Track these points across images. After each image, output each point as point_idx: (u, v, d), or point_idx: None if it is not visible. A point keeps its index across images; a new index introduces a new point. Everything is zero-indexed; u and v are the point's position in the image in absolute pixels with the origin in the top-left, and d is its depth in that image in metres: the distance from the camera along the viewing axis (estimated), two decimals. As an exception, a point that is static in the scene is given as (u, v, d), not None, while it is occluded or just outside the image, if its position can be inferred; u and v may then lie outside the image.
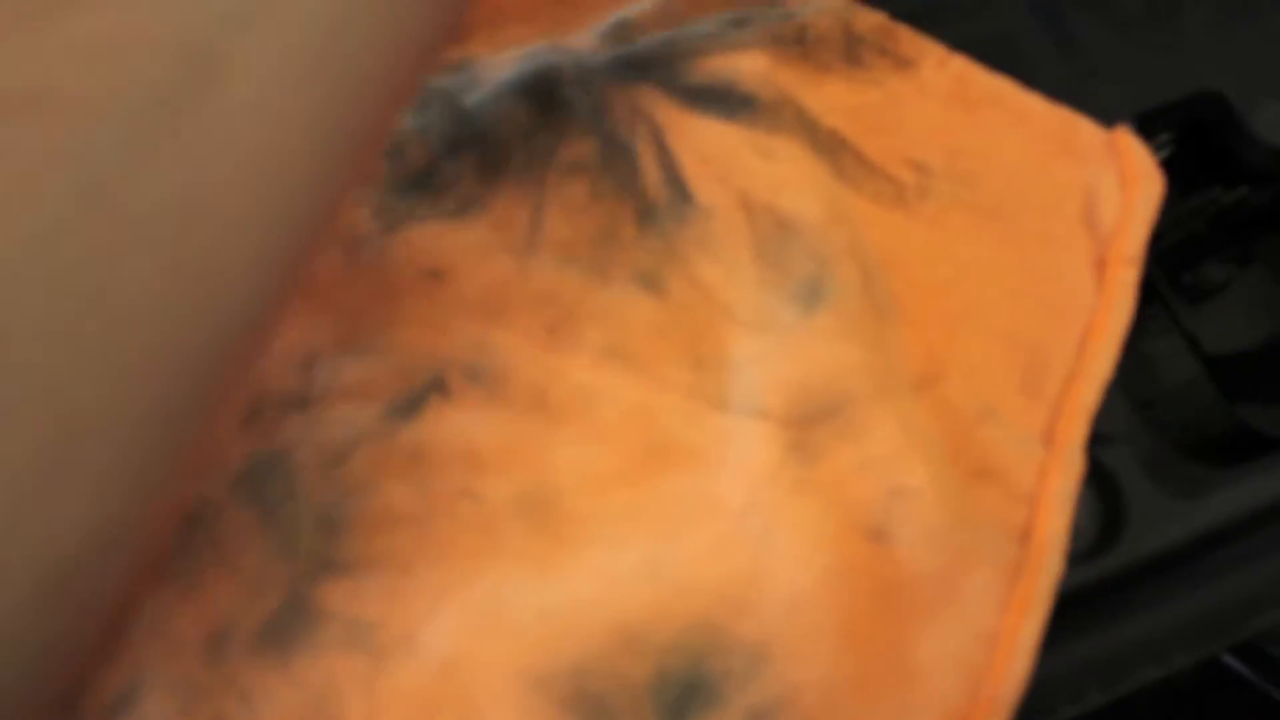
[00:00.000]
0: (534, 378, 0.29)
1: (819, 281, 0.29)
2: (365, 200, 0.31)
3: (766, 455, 0.27)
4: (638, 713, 0.25)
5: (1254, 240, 0.39)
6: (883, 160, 0.32)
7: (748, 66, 0.32)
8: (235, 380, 0.21)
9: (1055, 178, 0.33)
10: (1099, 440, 0.30)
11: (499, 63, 0.33)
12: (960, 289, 0.31)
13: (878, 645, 0.26)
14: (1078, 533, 0.28)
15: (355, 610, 0.26)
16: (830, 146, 0.32)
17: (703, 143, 0.31)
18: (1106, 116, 0.35)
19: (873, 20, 0.34)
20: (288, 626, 0.26)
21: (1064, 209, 0.33)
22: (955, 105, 0.34)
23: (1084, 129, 0.34)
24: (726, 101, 0.32)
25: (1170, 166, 0.37)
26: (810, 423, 0.28)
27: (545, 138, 0.31)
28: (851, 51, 0.34)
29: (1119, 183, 0.33)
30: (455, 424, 0.28)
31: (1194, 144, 0.37)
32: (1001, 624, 0.26)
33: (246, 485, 0.28)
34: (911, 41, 0.34)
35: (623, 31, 0.34)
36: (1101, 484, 0.29)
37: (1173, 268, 0.39)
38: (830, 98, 0.33)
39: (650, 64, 0.32)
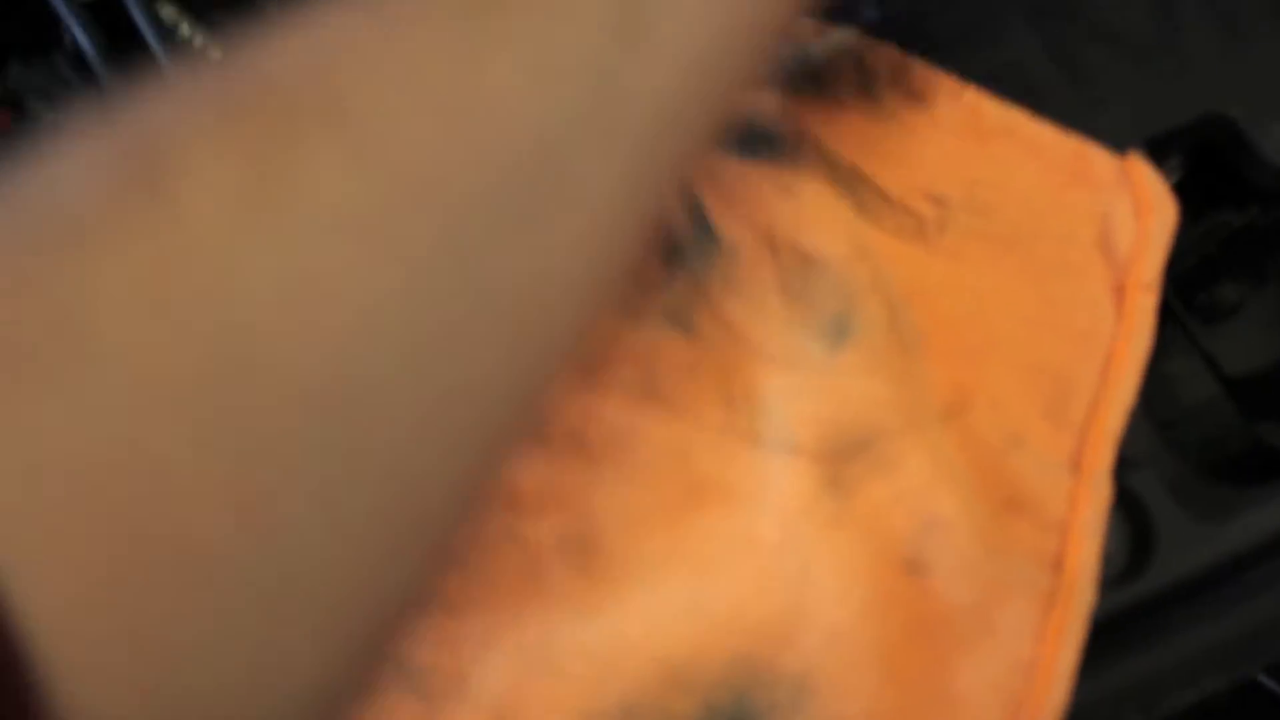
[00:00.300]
0: (571, 418, 0.29)
1: (845, 317, 0.30)
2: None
3: (801, 490, 0.28)
4: (686, 748, 0.26)
5: (1268, 260, 0.40)
6: (901, 194, 0.33)
7: (766, 105, 0.33)
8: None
9: (1070, 206, 0.34)
10: (1124, 465, 0.30)
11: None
12: (982, 319, 0.32)
13: (918, 676, 0.26)
14: (1108, 559, 0.29)
15: (407, 654, 0.26)
16: (850, 182, 0.33)
17: (725, 181, 0.32)
18: (1117, 143, 0.36)
19: (886, 55, 0.35)
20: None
21: (1080, 237, 0.33)
22: (969, 137, 0.34)
23: (1097, 157, 0.34)
24: (747, 140, 0.32)
25: (1181, 189, 0.38)
26: (843, 457, 0.28)
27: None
28: (866, 87, 0.34)
29: (1134, 210, 0.34)
30: (493, 467, 0.29)
31: (1204, 167, 0.38)
32: (1038, 652, 0.27)
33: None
34: (924, 75, 0.35)
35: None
36: (1129, 509, 0.30)
37: (1188, 289, 0.39)
38: (848, 133, 0.33)
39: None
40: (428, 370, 0.20)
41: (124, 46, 0.49)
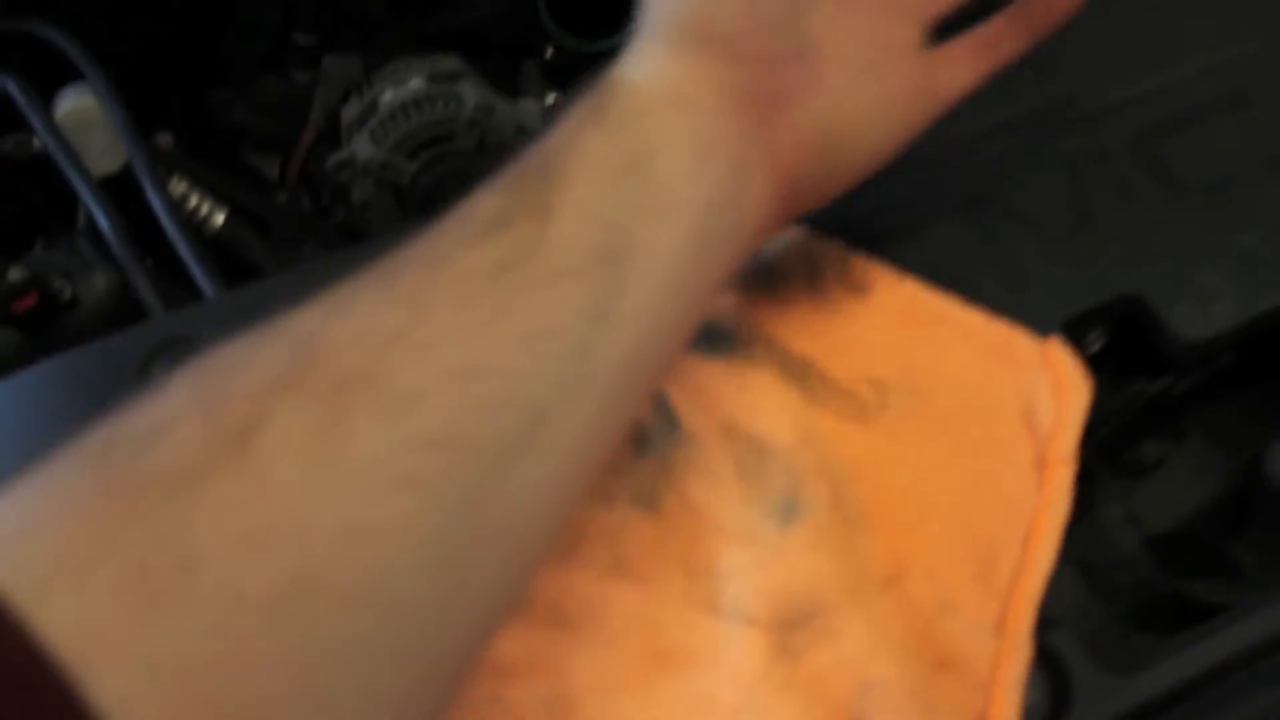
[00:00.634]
0: (549, 593, 0.33)
1: (794, 498, 0.34)
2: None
3: (755, 656, 0.32)
4: None
5: (1184, 420, 0.44)
6: (845, 379, 0.37)
7: (724, 305, 0.37)
8: None
9: (998, 386, 0.38)
10: (1045, 624, 0.34)
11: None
12: (918, 492, 0.36)
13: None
14: (1029, 711, 0.32)
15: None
16: (799, 371, 0.37)
17: (686, 376, 0.36)
18: (1043, 321, 0.40)
19: (832, 251, 0.40)
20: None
21: (1007, 414, 0.37)
22: (907, 324, 0.39)
23: (1020, 341, 0.39)
24: (706, 338, 0.36)
25: (1104, 359, 0.42)
26: (791, 626, 0.32)
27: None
28: (814, 282, 0.39)
29: (1053, 389, 0.38)
30: (483, 636, 0.33)
31: (1122, 340, 0.42)
32: (966, 802, 0.30)
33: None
34: (867, 269, 0.40)
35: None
36: (1048, 665, 0.33)
37: (1115, 448, 0.43)
38: (797, 326, 0.38)
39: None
40: (443, 579, 0.26)
41: (138, 221, 0.53)
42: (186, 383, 0.25)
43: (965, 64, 0.38)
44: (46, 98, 0.56)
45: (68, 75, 0.56)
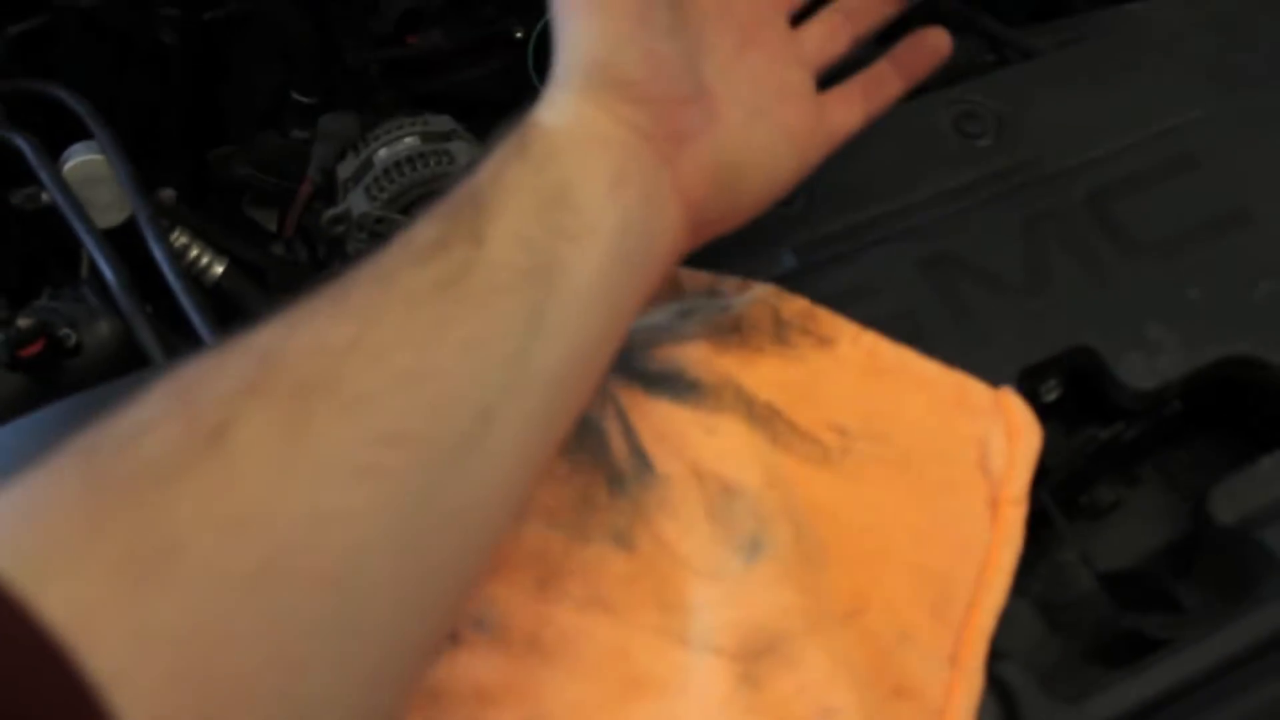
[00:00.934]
0: (528, 624, 0.35)
1: (759, 536, 0.36)
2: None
3: (721, 685, 0.34)
4: None
5: (1138, 465, 0.46)
6: (810, 426, 0.39)
7: (694, 354, 0.39)
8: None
9: (954, 432, 0.40)
10: (997, 656, 0.36)
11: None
12: (878, 531, 0.38)
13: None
14: (981, 740, 0.34)
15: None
16: (765, 418, 0.39)
17: (659, 421, 0.38)
18: (999, 371, 0.42)
19: (797, 305, 0.42)
20: None
21: (963, 458, 0.40)
22: (868, 375, 0.41)
23: (975, 390, 0.41)
24: (677, 386, 0.39)
25: (1058, 407, 0.44)
26: (756, 656, 0.34)
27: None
28: (780, 334, 0.41)
29: (1006, 434, 0.40)
30: (466, 666, 0.35)
31: (1076, 389, 0.45)
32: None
33: None
34: (830, 322, 0.42)
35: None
36: (999, 695, 0.35)
37: (1071, 491, 0.46)
38: (764, 375, 0.40)
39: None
40: (404, 562, 0.29)
41: (141, 271, 0.55)
42: (163, 390, 0.28)
43: (852, 105, 0.44)
44: (55, 153, 0.58)
45: (76, 133, 0.58)
